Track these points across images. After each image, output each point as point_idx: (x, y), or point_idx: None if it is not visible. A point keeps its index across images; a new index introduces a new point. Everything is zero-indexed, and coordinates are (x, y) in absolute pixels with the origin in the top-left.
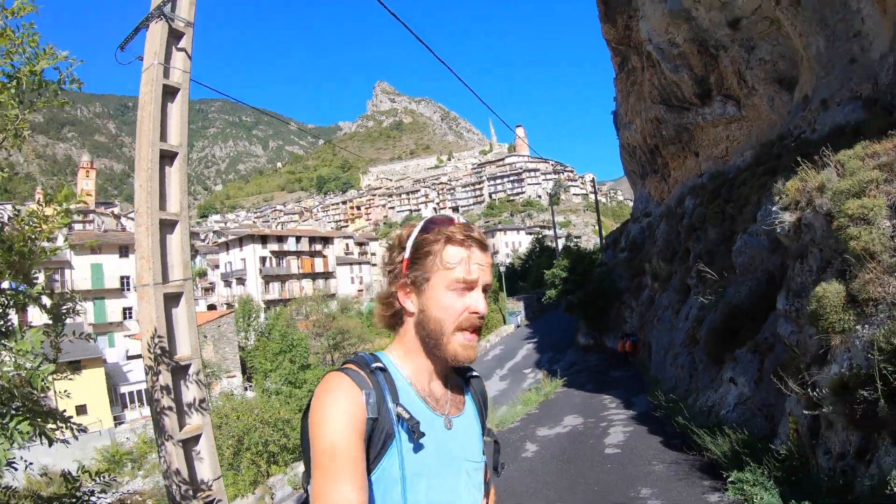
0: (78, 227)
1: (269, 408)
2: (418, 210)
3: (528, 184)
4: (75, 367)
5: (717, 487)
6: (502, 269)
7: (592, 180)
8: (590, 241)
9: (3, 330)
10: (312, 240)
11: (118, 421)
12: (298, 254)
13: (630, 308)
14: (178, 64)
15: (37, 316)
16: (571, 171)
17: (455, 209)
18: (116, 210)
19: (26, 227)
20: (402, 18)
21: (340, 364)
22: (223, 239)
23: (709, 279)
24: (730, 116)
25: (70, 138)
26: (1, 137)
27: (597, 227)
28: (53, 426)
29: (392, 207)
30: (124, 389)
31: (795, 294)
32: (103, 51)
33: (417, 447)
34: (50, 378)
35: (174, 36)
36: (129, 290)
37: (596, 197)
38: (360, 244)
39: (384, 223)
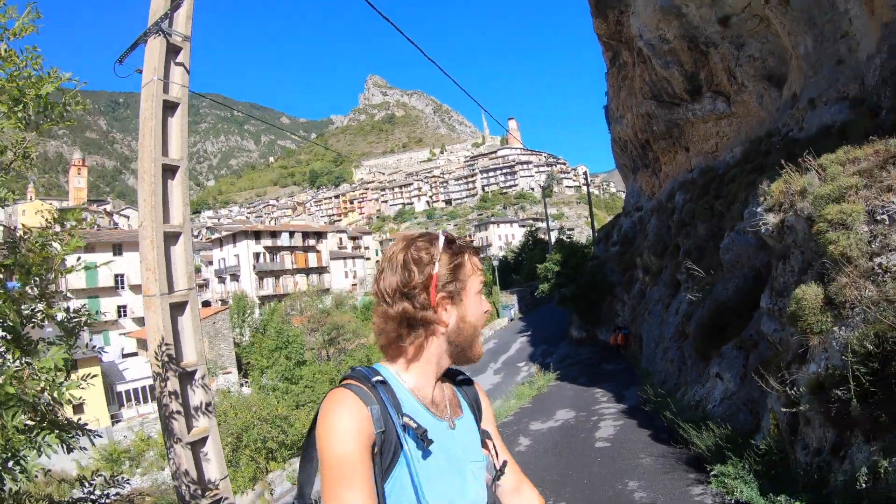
0: (69, 223)
1: (266, 405)
2: (411, 203)
3: (521, 176)
4: (71, 365)
5: (701, 480)
6: (495, 262)
7: (585, 173)
8: (583, 234)
9: (26, 348)
10: (306, 235)
11: (115, 419)
12: (292, 249)
13: (622, 301)
14: (176, 79)
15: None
16: (564, 164)
17: (448, 202)
18: (109, 207)
19: (41, 251)
20: (393, 11)
21: (340, 380)
22: (216, 235)
23: (697, 275)
24: (720, 113)
25: (61, 135)
26: (10, 159)
27: (590, 219)
28: (71, 435)
29: (385, 201)
30: (121, 388)
31: (778, 293)
32: (94, 47)
33: (426, 454)
34: (73, 394)
35: (172, 51)
36: (123, 288)
37: (588, 191)
38: (353, 238)
39: (377, 217)
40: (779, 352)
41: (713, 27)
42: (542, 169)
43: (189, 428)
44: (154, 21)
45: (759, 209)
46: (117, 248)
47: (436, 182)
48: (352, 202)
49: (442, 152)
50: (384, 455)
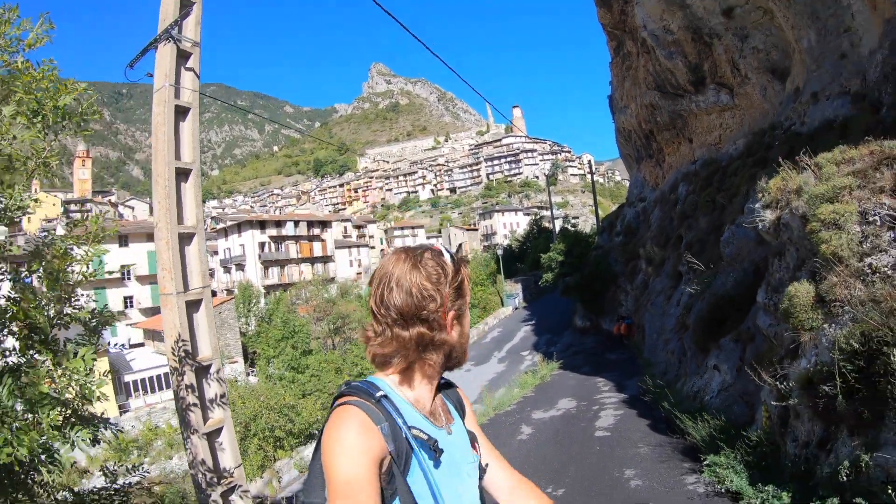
0: (76, 216)
1: (273, 394)
2: (416, 192)
3: (526, 164)
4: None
5: (695, 470)
6: (500, 251)
7: (590, 162)
8: (587, 222)
9: (55, 349)
10: (311, 224)
11: (123, 409)
12: (297, 238)
13: (625, 291)
14: (187, 83)
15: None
16: (569, 152)
17: (453, 190)
18: (113, 198)
19: (65, 258)
20: (398, 2)
21: (336, 395)
22: (221, 225)
23: (698, 268)
24: (723, 104)
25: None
26: (32, 167)
27: (594, 208)
28: (97, 428)
29: (389, 189)
30: (128, 378)
31: (774, 289)
32: (96, 38)
33: (437, 464)
34: (99, 391)
35: (182, 56)
36: (129, 279)
37: (593, 180)
38: (358, 227)
39: (382, 205)
40: (773, 346)
41: (717, 18)
42: (546, 157)
43: (205, 419)
44: (164, 28)
45: (757, 205)
46: (123, 240)
47: (440, 170)
48: (356, 191)
49: (446, 140)
50: (397, 470)
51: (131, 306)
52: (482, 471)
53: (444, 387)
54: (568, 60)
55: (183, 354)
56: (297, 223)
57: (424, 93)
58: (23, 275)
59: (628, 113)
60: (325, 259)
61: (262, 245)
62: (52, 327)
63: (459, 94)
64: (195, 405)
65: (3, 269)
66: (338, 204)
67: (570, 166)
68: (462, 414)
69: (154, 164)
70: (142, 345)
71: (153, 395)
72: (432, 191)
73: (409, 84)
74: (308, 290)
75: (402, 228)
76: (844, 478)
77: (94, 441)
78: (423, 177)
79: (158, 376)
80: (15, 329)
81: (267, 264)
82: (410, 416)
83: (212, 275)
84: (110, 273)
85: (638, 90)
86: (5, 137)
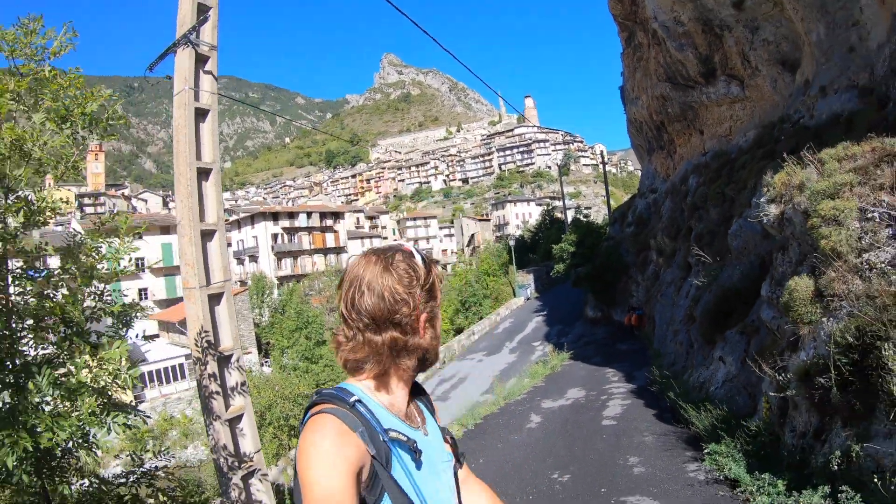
0: (89, 209)
1: (288, 384)
2: (428, 182)
3: (538, 155)
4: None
5: (697, 458)
6: (512, 241)
7: (602, 152)
8: (600, 213)
9: (90, 341)
10: (323, 215)
11: (138, 400)
12: (310, 230)
13: (636, 282)
14: (205, 86)
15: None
16: (581, 142)
17: (465, 181)
18: (126, 191)
19: (97, 256)
20: None
21: (312, 401)
22: (234, 217)
23: (705, 260)
24: (733, 96)
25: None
26: (62, 171)
27: (606, 199)
28: (129, 415)
29: (402, 180)
30: (143, 369)
31: (777, 283)
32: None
33: (419, 465)
34: (133, 380)
35: (200, 60)
36: (143, 271)
37: (605, 170)
38: (370, 218)
39: (394, 196)
40: (776, 339)
41: (727, 10)
42: (559, 147)
43: (226, 406)
44: (182, 33)
45: (762, 200)
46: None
47: (452, 161)
48: (368, 182)
49: (458, 131)
50: (378, 475)
51: (146, 298)
52: (456, 467)
53: (415, 390)
54: (581, 50)
55: (206, 345)
56: (309, 214)
57: (436, 83)
58: (56, 272)
59: (639, 104)
60: (338, 250)
61: (274, 236)
62: (87, 321)
63: (471, 84)
64: (217, 393)
65: (38, 269)
66: (350, 195)
67: (583, 156)
68: (433, 414)
69: (176, 164)
70: (157, 336)
71: (168, 386)
72: (444, 181)
73: (421, 74)
74: (321, 281)
75: (414, 219)
76: (835, 467)
77: (126, 426)
78: (436, 167)
79: (173, 367)
80: (52, 323)
81: (280, 255)
82: (386, 420)
83: None
84: (135, 265)
85: (649, 81)
86: (36, 143)
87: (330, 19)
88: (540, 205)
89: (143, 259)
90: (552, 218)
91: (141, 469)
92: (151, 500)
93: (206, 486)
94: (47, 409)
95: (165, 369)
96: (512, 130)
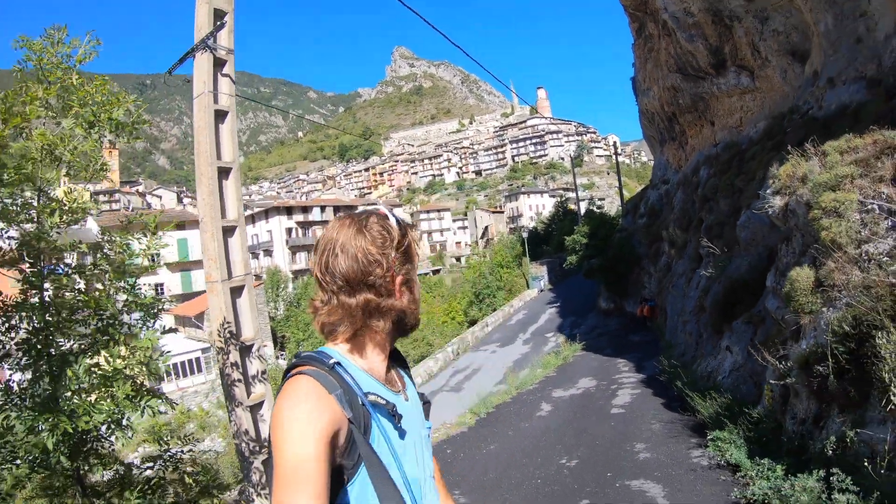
0: (104, 206)
1: None
2: (441, 175)
3: (551, 146)
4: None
5: (701, 445)
6: (525, 233)
7: (615, 143)
8: (613, 204)
9: (122, 332)
10: (337, 209)
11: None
12: (323, 223)
13: (649, 273)
14: (224, 89)
15: None
16: (594, 133)
17: (478, 173)
18: (141, 188)
19: (127, 252)
20: None
21: (290, 363)
22: (249, 211)
23: (714, 252)
24: (744, 87)
25: None
26: (91, 173)
27: (619, 190)
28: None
29: (415, 173)
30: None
31: (781, 273)
32: (121, 31)
33: (398, 429)
34: (165, 365)
35: (218, 64)
36: (160, 266)
37: (617, 162)
38: None
39: (408, 189)
40: (781, 328)
41: (737, 1)
42: (572, 138)
43: (248, 393)
44: (200, 38)
45: (768, 191)
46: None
47: (465, 153)
48: (381, 175)
49: (471, 123)
50: (356, 438)
51: (162, 293)
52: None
53: (396, 358)
54: (594, 40)
55: (228, 335)
56: (323, 208)
57: (448, 76)
58: (87, 269)
59: (651, 95)
60: None
61: (289, 231)
62: (120, 313)
63: (483, 76)
64: (239, 381)
65: (70, 264)
66: (363, 188)
67: (596, 147)
68: (411, 379)
69: (197, 163)
70: (174, 330)
71: (185, 380)
72: (458, 173)
73: (433, 67)
74: None
75: (427, 212)
76: (830, 452)
77: (156, 412)
78: (449, 160)
79: (190, 361)
80: (87, 315)
81: (294, 249)
82: (366, 383)
83: None
84: (155, 259)
85: (660, 72)
86: (66, 147)
87: (341, 13)
88: (553, 196)
89: (158, 254)
90: (565, 209)
91: (168, 453)
92: (175, 484)
93: (221, 476)
94: (85, 395)
95: (182, 363)
96: (525, 122)
